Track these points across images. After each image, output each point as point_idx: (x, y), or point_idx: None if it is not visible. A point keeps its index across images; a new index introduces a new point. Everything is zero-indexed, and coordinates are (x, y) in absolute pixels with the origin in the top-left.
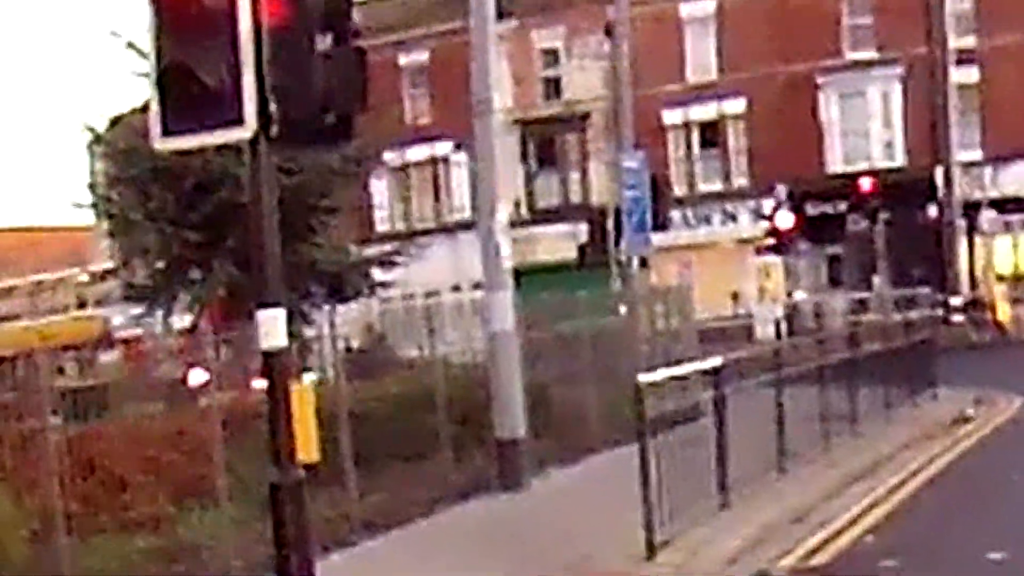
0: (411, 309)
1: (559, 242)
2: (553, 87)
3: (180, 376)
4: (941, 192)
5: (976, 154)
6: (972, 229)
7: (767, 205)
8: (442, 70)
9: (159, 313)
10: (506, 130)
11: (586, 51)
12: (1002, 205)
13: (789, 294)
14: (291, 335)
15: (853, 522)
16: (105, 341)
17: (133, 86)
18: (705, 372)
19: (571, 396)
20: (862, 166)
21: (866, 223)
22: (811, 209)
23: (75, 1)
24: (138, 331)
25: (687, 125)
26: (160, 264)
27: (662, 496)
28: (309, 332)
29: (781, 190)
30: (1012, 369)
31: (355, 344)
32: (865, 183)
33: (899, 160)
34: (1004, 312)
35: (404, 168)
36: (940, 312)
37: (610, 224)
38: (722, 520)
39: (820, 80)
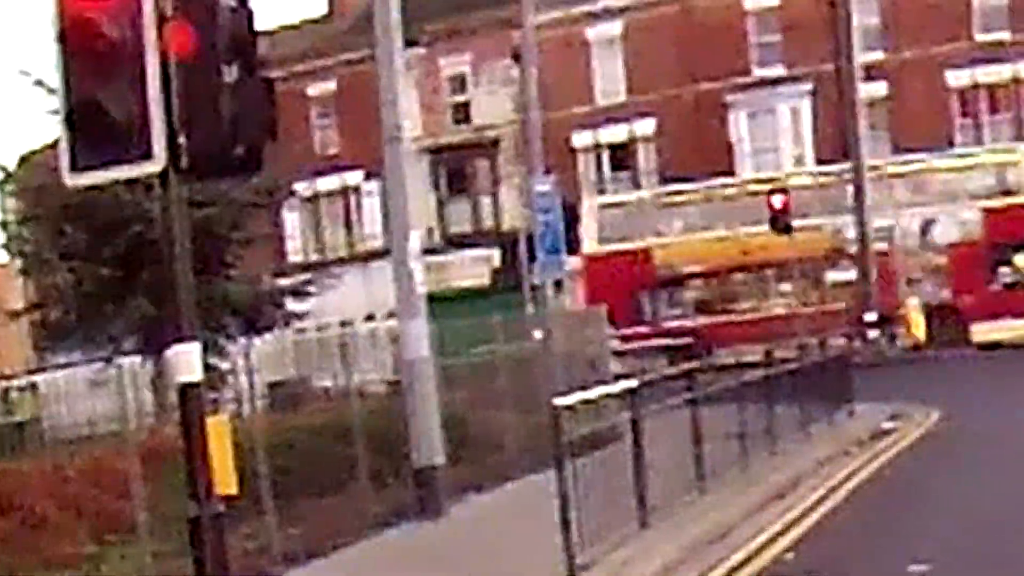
0: (326, 340)
1: (472, 268)
2: (462, 113)
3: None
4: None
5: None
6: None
7: None
8: (350, 99)
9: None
10: (416, 157)
11: (494, 76)
12: None
13: None
14: (207, 368)
15: (773, 540)
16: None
17: (43, 123)
18: (621, 394)
19: (488, 422)
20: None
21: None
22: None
23: None
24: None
25: (597, 147)
26: (74, 302)
27: (582, 519)
28: (224, 365)
29: None
30: (927, 383)
31: (271, 377)
32: (776, 200)
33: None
34: (918, 326)
35: (315, 198)
36: (855, 327)
37: (522, 248)
38: (643, 541)
39: (729, 99)
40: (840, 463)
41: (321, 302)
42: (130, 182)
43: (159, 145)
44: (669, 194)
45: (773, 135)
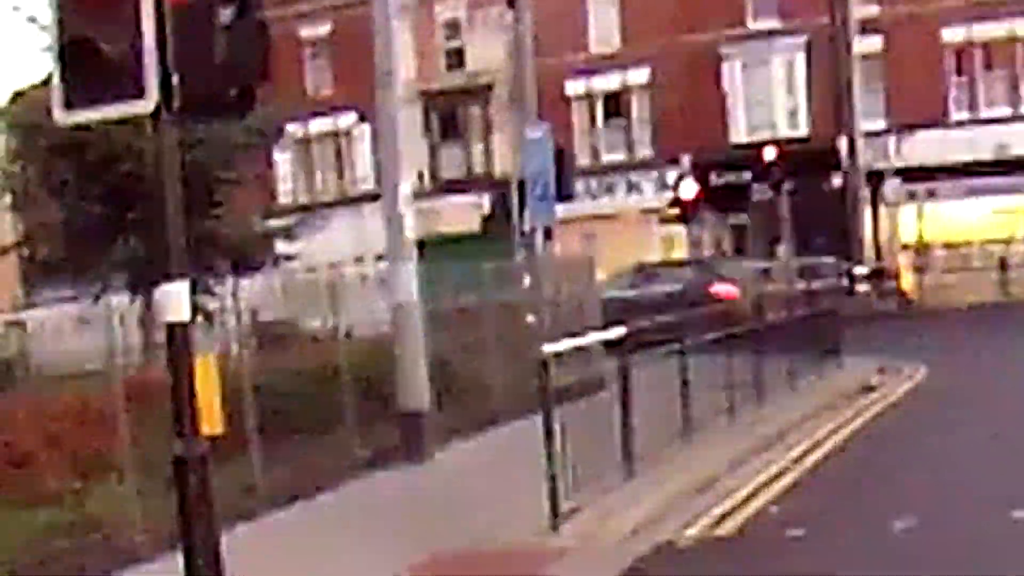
0: (314, 282)
1: (463, 213)
2: (456, 58)
3: None
4: (845, 162)
5: (880, 123)
6: (876, 198)
7: (671, 175)
8: (344, 42)
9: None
10: (409, 102)
11: (488, 22)
12: (906, 174)
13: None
14: (195, 308)
15: (758, 491)
16: None
17: (35, 60)
18: (609, 342)
19: (475, 367)
20: (766, 136)
21: (770, 193)
22: (715, 179)
23: None
24: None
25: (590, 95)
26: (63, 239)
27: (567, 467)
28: (212, 305)
29: (685, 160)
30: (916, 338)
31: (259, 318)
32: (769, 153)
33: (803, 130)
34: (908, 281)
35: (307, 140)
36: (845, 282)
37: (513, 195)
38: (627, 490)
39: (723, 50)
40: (827, 416)
41: (310, 244)
42: (122, 120)
43: (151, 85)
44: None
45: (767, 87)
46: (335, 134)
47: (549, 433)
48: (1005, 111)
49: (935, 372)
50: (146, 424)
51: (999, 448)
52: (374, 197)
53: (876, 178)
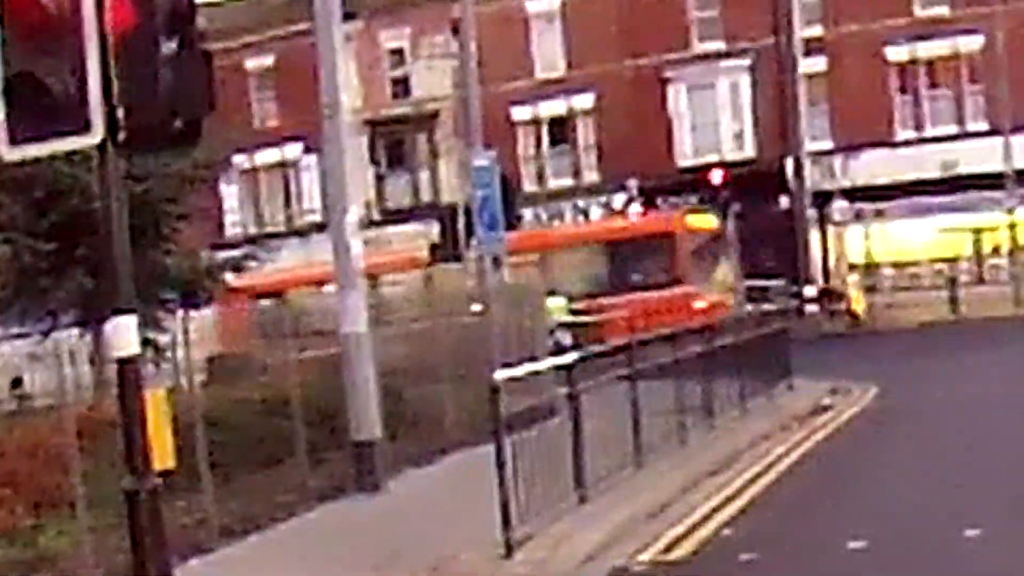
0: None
1: (411, 242)
2: (401, 87)
3: None
4: (792, 183)
5: (826, 144)
6: (824, 219)
7: (618, 200)
8: (289, 73)
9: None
10: (355, 131)
11: (433, 50)
12: (853, 194)
13: None
14: (145, 342)
15: (711, 515)
16: None
17: None
18: (559, 368)
19: (427, 396)
20: (712, 158)
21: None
22: (662, 203)
23: None
24: None
25: (536, 121)
26: (11, 275)
27: (519, 494)
28: (162, 339)
29: (632, 184)
30: (866, 358)
31: (209, 350)
32: (716, 175)
33: (749, 152)
34: (857, 301)
35: (253, 172)
36: (794, 303)
37: (461, 223)
38: (580, 516)
39: (668, 73)
40: (778, 438)
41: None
42: (69, 155)
43: (97, 118)
44: None
45: (712, 110)
46: (282, 165)
47: (501, 460)
48: (951, 129)
49: (886, 392)
50: (98, 459)
51: (951, 467)
52: (322, 227)
53: (823, 198)
